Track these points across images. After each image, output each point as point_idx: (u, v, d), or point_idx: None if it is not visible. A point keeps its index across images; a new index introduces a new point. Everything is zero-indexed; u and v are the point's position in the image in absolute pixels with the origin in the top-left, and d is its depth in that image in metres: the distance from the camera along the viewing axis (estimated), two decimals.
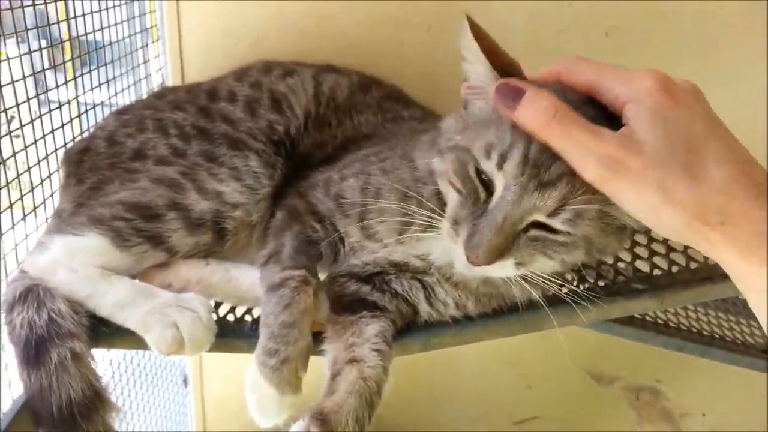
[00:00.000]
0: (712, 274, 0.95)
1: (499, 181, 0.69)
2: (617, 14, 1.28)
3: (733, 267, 0.59)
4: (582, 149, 0.61)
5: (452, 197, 0.75)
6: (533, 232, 0.70)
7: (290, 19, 1.30)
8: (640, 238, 1.07)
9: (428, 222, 0.80)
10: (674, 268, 0.98)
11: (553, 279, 0.76)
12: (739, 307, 1.52)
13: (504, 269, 0.73)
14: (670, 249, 1.03)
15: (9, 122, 0.93)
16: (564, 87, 0.68)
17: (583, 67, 0.68)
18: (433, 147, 0.82)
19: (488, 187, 0.71)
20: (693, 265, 0.98)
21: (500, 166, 0.68)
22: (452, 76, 1.30)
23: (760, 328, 1.46)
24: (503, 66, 0.71)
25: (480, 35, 0.71)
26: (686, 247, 1.03)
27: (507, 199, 0.67)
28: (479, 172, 0.71)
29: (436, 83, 1.30)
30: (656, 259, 1.01)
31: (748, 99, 1.33)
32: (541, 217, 0.68)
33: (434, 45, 1.32)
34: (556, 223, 0.68)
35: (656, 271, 0.98)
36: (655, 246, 1.05)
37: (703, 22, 1.31)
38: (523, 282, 0.79)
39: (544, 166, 0.65)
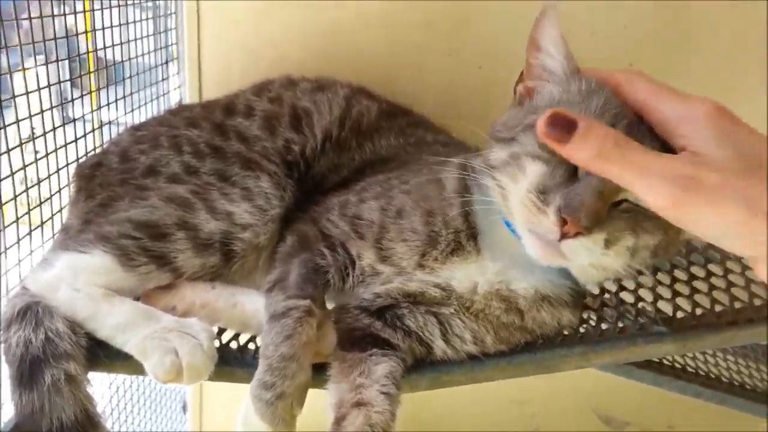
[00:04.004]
0: (738, 318, 0.91)
1: None
2: (641, 44, 1.28)
3: None
4: (648, 173, 0.59)
5: (533, 170, 0.71)
6: (625, 206, 0.69)
7: (310, 39, 1.30)
8: (663, 278, 1.03)
9: (455, 242, 0.81)
10: (698, 311, 0.93)
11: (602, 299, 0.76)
12: (758, 353, 1.47)
13: (593, 246, 0.68)
14: (694, 291, 0.99)
15: (33, 139, 0.93)
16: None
17: (642, 84, 0.68)
18: (463, 166, 0.82)
19: None
20: (718, 308, 0.93)
21: None
22: (471, 101, 1.31)
23: None
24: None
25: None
26: (711, 289, 0.99)
27: None
28: None
29: (454, 108, 1.30)
30: (679, 300, 0.97)
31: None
32: (631, 196, 0.67)
33: (454, 70, 1.31)
34: None
35: (679, 313, 0.94)
36: (678, 287, 1.01)
37: (730, 53, 1.29)
38: (560, 301, 0.82)
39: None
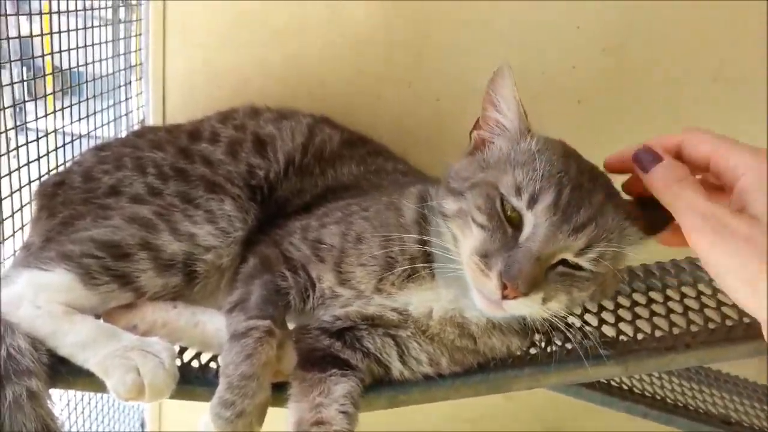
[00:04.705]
0: (677, 344, 0.96)
1: (529, 219, 0.74)
2: (587, 83, 1.35)
3: None
4: (690, 208, 0.68)
5: (475, 233, 0.77)
6: (560, 269, 0.76)
7: (273, 66, 1.32)
8: (607, 304, 1.09)
9: (411, 268, 0.84)
10: (639, 336, 0.99)
11: (550, 322, 0.80)
12: (701, 375, 1.54)
13: (531, 304, 0.75)
14: (636, 316, 1.05)
15: None
16: None
17: (702, 138, 0.75)
18: (422, 197, 0.87)
19: (512, 222, 0.75)
20: (658, 334, 0.99)
21: (530, 206, 0.74)
22: (429, 132, 1.36)
23: (722, 398, 1.48)
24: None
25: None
26: (651, 315, 1.05)
27: (539, 235, 0.73)
28: (504, 208, 0.76)
29: (411, 138, 1.34)
30: (622, 325, 1.02)
31: None
32: (569, 256, 0.75)
33: (413, 101, 1.35)
34: (582, 261, 0.75)
35: (622, 337, 0.99)
36: (621, 312, 1.06)
37: (668, 93, 1.37)
38: (510, 329, 0.86)
39: (574, 212, 0.73)
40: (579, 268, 0.76)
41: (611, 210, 0.76)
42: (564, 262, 0.76)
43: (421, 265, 0.85)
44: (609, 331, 1.01)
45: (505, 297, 0.73)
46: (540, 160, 0.76)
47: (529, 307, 0.76)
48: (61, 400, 1.16)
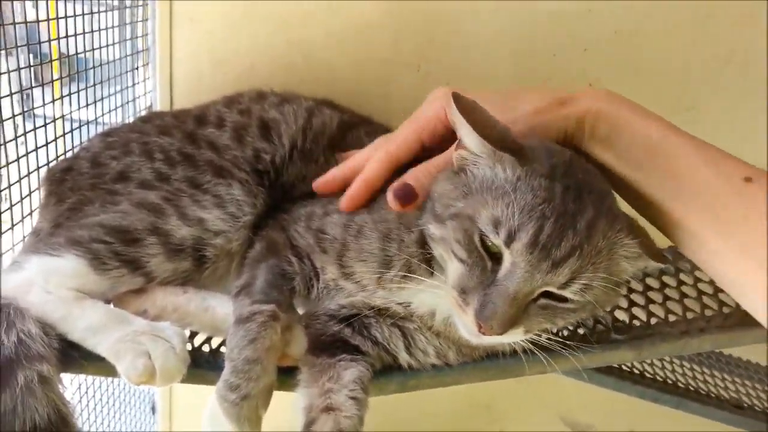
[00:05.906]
0: (690, 328, 0.95)
1: (507, 257, 0.69)
2: (599, 66, 1.33)
3: None
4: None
5: (455, 266, 0.74)
6: (543, 301, 0.71)
7: (279, 52, 1.31)
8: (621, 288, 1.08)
9: (407, 268, 0.81)
10: (653, 320, 0.98)
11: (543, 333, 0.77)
12: (713, 360, 1.53)
13: (513, 336, 0.73)
14: (650, 301, 1.04)
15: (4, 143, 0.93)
16: None
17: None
18: (424, 208, 0.81)
19: (494, 256, 0.71)
20: (671, 318, 0.98)
21: (508, 244, 0.69)
22: None
23: (734, 382, 1.47)
24: (493, 134, 0.73)
25: (467, 109, 0.73)
26: (665, 299, 1.04)
27: (518, 273, 0.68)
28: (484, 241, 0.71)
29: None
30: (635, 310, 1.01)
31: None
32: (552, 289, 0.70)
33: (423, 85, 1.33)
34: (567, 293, 0.70)
35: (635, 322, 0.98)
36: (634, 297, 1.05)
37: (681, 76, 1.37)
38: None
39: (554, 245, 0.67)
40: (564, 299, 0.71)
41: (602, 228, 0.70)
42: (547, 293, 0.71)
43: (420, 265, 0.81)
44: (622, 315, 1.00)
45: (483, 333, 0.70)
46: (518, 191, 0.70)
47: (509, 339, 0.74)
48: (72, 384, 1.16)
